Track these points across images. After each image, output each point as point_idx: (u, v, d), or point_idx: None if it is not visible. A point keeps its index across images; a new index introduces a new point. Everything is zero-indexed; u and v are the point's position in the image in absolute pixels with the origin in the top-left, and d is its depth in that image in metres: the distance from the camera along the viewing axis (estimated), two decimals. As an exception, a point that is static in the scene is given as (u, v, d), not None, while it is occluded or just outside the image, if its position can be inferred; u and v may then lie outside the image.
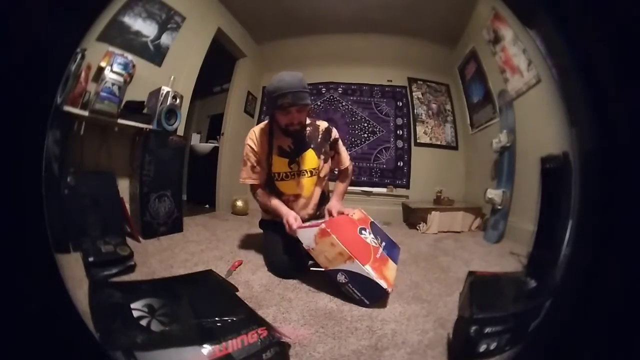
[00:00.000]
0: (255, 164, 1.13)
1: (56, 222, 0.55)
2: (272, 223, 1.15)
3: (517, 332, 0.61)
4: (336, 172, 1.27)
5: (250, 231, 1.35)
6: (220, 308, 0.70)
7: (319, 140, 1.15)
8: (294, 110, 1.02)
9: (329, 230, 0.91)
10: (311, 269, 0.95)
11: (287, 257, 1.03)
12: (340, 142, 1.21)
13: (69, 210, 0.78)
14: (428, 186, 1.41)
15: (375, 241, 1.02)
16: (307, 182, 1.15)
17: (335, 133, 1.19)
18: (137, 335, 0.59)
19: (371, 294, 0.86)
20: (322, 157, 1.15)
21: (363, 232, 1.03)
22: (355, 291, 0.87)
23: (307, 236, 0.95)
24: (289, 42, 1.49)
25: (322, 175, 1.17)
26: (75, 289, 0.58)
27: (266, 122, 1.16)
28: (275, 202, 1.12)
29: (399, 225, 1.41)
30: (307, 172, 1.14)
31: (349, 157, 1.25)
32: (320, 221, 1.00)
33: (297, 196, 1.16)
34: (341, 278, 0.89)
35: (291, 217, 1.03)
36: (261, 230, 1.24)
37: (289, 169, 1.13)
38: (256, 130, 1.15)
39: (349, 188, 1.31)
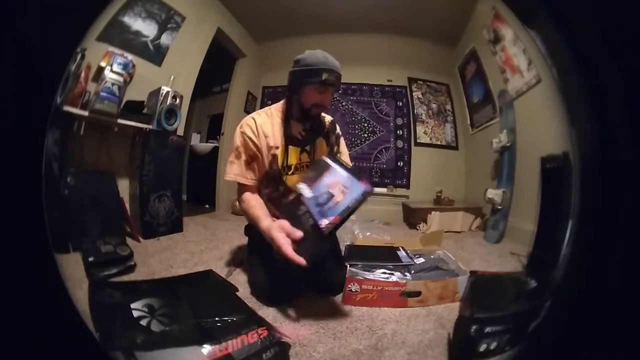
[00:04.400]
0: (250, 159, 0.95)
1: (56, 222, 0.55)
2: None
3: (517, 332, 0.61)
4: None
5: (250, 231, 1.35)
6: (220, 308, 0.70)
7: (327, 130, 1.03)
8: (331, 91, 0.91)
9: None
10: None
11: (277, 278, 0.84)
12: (342, 140, 1.12)
13: (69, 210, 0.79)
14: (428, 186, 1.41)
15: None
16: None
17: (338, 128, 1.08)
18: (137, 335, 0.59)
19: None
20: (330, 147, 1.03)
21: None
22: None
23: None
24: (289, 42, 1.48)
25: None
26: (75, 289, 0.57)
27: (278, 106, 0.99)
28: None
29: (399, 225, 1.41)
30: None
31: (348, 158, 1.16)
32: None
33: None
34: None
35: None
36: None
37: (301, 159, 0.98)
38: (257, 117, 0.96)
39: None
